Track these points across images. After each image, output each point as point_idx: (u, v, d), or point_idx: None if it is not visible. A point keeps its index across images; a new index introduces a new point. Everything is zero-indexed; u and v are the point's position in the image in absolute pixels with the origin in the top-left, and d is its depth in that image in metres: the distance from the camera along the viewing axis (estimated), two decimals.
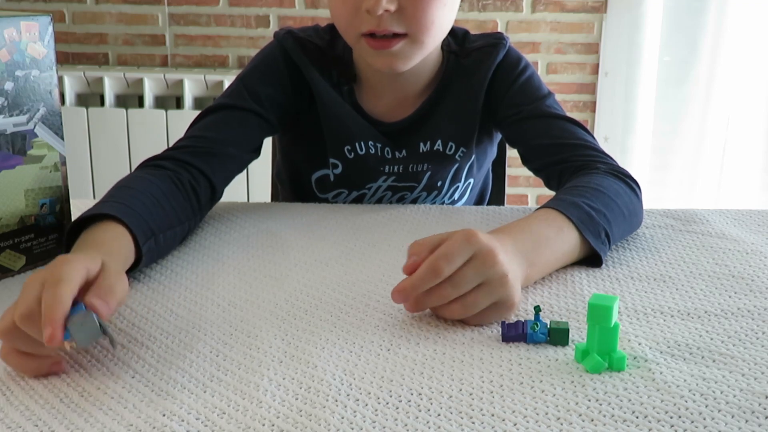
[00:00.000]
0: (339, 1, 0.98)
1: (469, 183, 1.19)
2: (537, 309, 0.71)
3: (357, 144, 1.10)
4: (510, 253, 0.74)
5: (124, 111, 2.53)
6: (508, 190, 1.40)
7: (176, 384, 0.64)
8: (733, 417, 0.58)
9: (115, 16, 2.66)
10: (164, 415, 0.59)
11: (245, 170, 2.50)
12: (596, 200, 0.88)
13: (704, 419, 0.58)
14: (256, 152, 1.07)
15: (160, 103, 2.61)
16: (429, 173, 1.13)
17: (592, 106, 2.65)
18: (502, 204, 1.41)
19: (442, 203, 1.18)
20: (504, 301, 0.72)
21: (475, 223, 1.01)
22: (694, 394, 0.61)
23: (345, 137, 1.10)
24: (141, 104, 2.58)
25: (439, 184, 1.15)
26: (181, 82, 2.53)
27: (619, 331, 0.67)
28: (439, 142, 1.11)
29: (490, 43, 1.11)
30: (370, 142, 1.10)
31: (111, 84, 2.56)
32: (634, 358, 0.67)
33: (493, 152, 1.22)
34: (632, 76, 2.54)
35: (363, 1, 0.95)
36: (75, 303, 0.65)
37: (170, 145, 1.02)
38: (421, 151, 1.12)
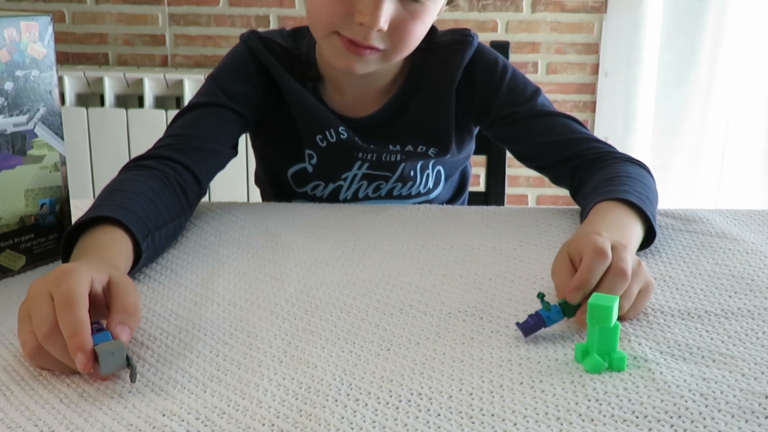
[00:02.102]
0: (328, 2, 0.97)
1: (439, 170, 1.19)
2: (540, 295, 0.72)
3: (328, 132, 1.11)
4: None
5: (124, 111, 2.53)
6: (508, 190, 1.40)
7: (176, 384, 0.64)
8: (733, 417, 0.58)
9: (115, 16, 2.66)
10: (164, 415, 0.59)
11: (245, 170, 2.52)
12: (637, 186, 0.92)
13: (704, 419, 0.58)
14: (234, 149, 1.08)
15: (160, 103, 2.60)
16: (403, 164, 1.14)
17: (592, 106, 2.65)
18: (502, 204, 1.41)
19: (418, 192, 1.18)
20: (647, 283, 0.75)
21: (475, 223, 1.01)
22: (694, 394, 0.61)
23: (316, 126, 1.11)
24: (141, 104, 2.58)
25: (411, 174, 1.16)
26: (181, 82, 2.53)
27: (619, 331, 0.67)
28: (409, 146, 1.12)
29: (457, 40, 1.11)
30: (341, 128, 1.10)
31: (111, 84, 2.56)
32: (634, 358, 0.67)
33: (470, 147, 1.23)
34: (632, 76, 2.54)
35: (357, 13, 0.95)
36: (93, 321, 0.65)
37: (152, 146, 1.03)
38: (391, 150, 1.13)
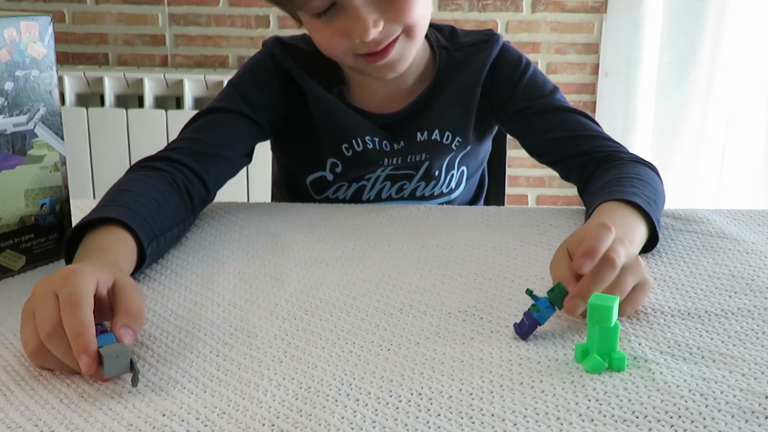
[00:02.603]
0: (326, 37, 0.99)
1: (463, 171, 1.20)
2: (529, 291, 0.72)
3: (354, 141, 1.11)
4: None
5: (124, 111, 2.53)
6: (508, 190, 1.41)
7: (176, 384, 0.64)
8: (733, 417, 0.58)
9: (115, 16, 2.66)
10: (164, 415, 0.59)
11: (245, 170, 2.52)
12: (645, 189, 0.92)
13: (704, 419, 0.58)
14: (248, 157, 1.08)
15: (160, 103, 2.61)
16: (427, 163, 1.14)
17: (592, 106, 2.65)
18: (502, 204, 1.41)
19: (440, 192, 1.19)
20: (644, 280, 0.74)
21: (475, 223, 1.01)
22: (694, 394, 0.61)
23: (342, 135, 1.11)
24: (141, 104, 2.58)
25: (436, 173, 1.16)
26: (181, 82, 2.53)
27: (619, 331, 0.67)
28: (436, 132, 1.12)
29: (483, 39, 1.13)
30: (367, 137, 1.10)
31: (111, 84, 2.56)
32: (634, 358, 0.67)
33: (488, 146, 1.24)
34: (632, 76, 2.54)
35: (351, 34, 0.96)
36: (97, 323, 0.65)
37: (163, 147, 1.03)
38: (418, 140, 1.13)
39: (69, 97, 2.57)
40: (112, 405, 0.61)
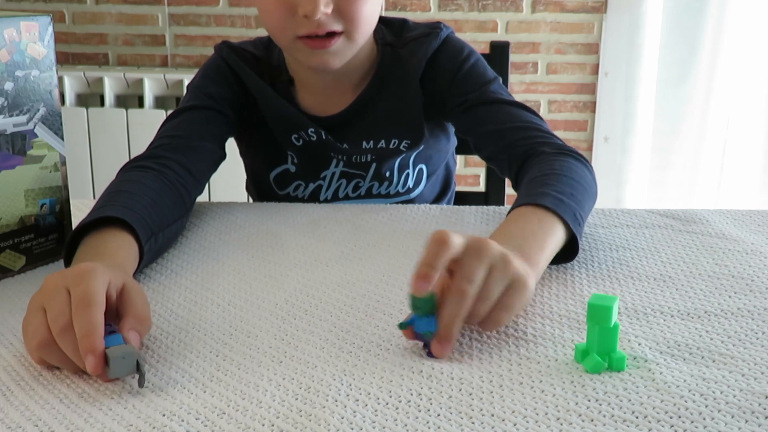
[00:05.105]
0: (271, 7, 0.99)
1: (421, 169, 1.19)
2: (402, 326, 0.68)
3: (300, 132, 1.12)
4: (517, 257, 0.71)
5: (124, 111, 2.53)
6: (508, 190, 1.40)
7: (176, 384, 0.64)
8: (733, 417, 0.58)
9: (115, 16, 2.66)
10: (164, 415, 0.59)
11: (245, 172, 2.51)
12: (561, 185, 0.87)
13: (704, 419, 0.58)
14: (223, 150, 1.10)
15: (160, 103, 2.61)
16: (375, 164, 1.14)
17: (592, 106, 2.65)
18: (502, 204, 1.41)
19: (396, 192, 1.18)
20: (514, 280, 0.69)
21: (475, 223, 1.01)
22: (694, 394, 0.61)
23: (289, 127, 1.12)
24: (141, 104, 2.58)
25: (387, 174, 1.16)
26: (181, 82, 2.53)
27: (619, 331, 0.67)
28: (382, 141, 1.13)
29: (425, 33, 1.11)
30: (310, 130, 1.12)
31: (111, 84, 2.56)
32: (634, 358, 0.67)
33: (450, 140, 1.22)
34: (632, 76, 2.54)
35: (298, 6, 0.96)
36: (106, 323, 0.65)
37: (147, 147, 1.05)
38: (363, 147, 1.13)
39: (69, 97, 2.57)
40: (112, 405, 0.61)
